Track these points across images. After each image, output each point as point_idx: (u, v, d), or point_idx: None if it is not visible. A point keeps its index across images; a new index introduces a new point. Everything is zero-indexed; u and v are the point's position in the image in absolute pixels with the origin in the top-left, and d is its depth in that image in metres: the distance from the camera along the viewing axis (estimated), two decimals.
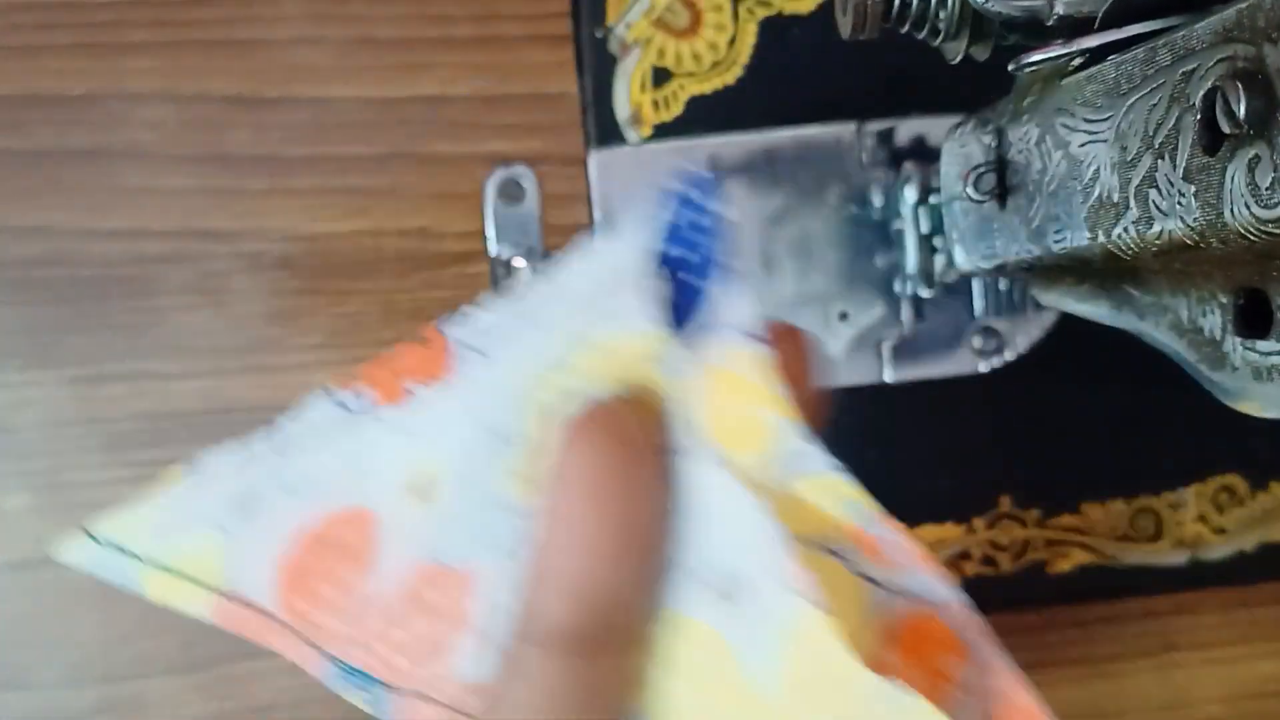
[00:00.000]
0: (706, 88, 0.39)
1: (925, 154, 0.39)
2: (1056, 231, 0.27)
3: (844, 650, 0.20)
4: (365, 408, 0.24)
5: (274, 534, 0.24)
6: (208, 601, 0.25)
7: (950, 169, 0.33)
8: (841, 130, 0.39)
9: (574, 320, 0.22)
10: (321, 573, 0.24)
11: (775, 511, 0.20)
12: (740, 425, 0.21)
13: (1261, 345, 0.22)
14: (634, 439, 0.20)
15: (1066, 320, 0.33)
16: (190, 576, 0.25)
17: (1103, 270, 0.27)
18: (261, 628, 0.25)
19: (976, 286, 0.39)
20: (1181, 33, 0.21)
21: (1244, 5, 0.19)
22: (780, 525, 0.20)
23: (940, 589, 0.21)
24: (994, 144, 0.30)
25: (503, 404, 0.22)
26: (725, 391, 0.21)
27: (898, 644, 0.21)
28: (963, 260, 0.34)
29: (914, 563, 0.21)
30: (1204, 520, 0.41)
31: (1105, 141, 0.24)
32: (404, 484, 0.24)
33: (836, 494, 0.21)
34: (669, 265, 0.22)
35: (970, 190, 0.30)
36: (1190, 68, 0.20)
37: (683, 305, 0.21)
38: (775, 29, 0.40)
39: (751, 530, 0.20)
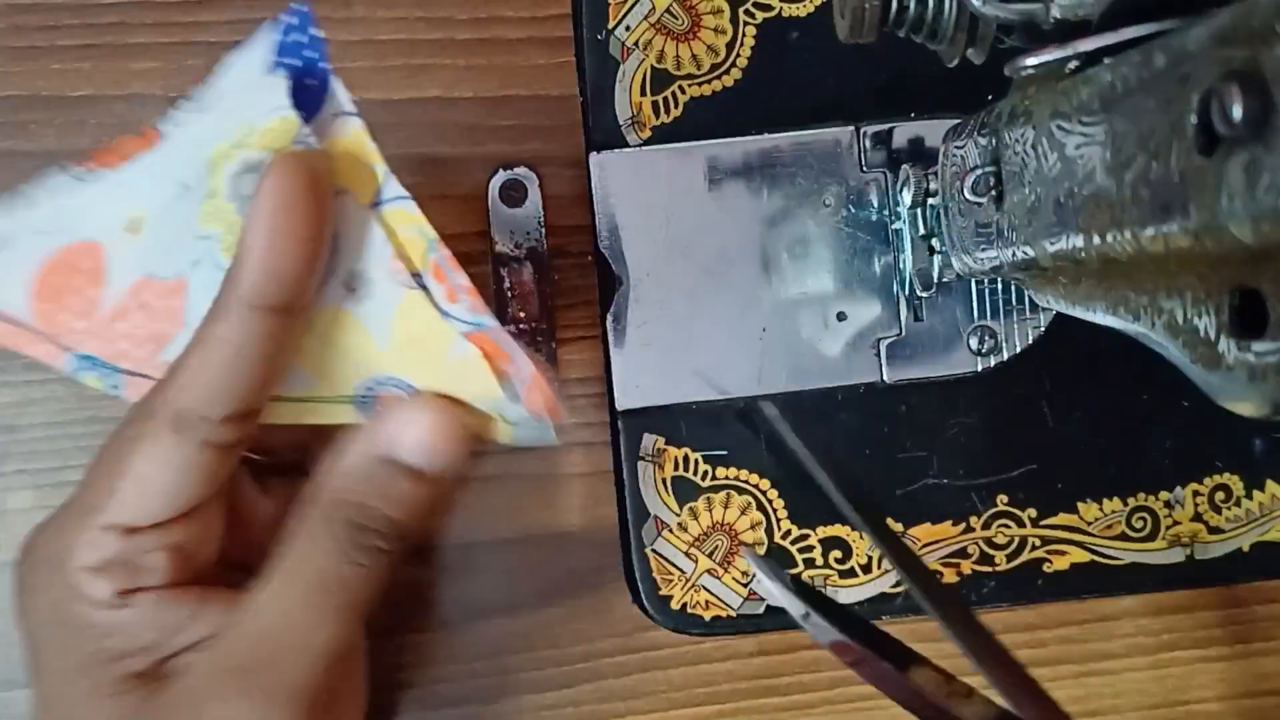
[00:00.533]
0: (706, 90, 0.40)
1: (923, 156, 0.39)
2: (1052, 233, 0.27)
3: (434, 315, 0.31)
4: (88, 174, 0.32)
5: (26, 260, 0.32)
6: None
7: (947, 171, 0.34)
8: (839, 132, 0.39)
9: (237, 110, 0.31)
10: (64, 285, 0.32)
11: (385, 233, 0.31)
12: (356, 174, 0.31)
13: (1256, 346, 0.22)
14: (317, 172, 0.30)
15: (1062, 320, 0.33)
16: None
17: (1098, 271, 0.27)
18: (11, 333, 0.33)
19: (973, 287, 0.39)
20: (1177, 36, 0.21)
21: (1239, 8, 0.19)
22: (385, 237, 0.31)
23: (484, 317, 0.31)
24: (991, 146, 0.30)
25: (193, 167, 0.31)
26: (342, 153, 0.31)
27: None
28: (960, 261, 0.34)
29: (465, 293, 0.31)
30: (1200, 519, 0.41)
31: (1101, 144, 0.24)
32: (122, 224, 0.32)
33: (409, 221, 0.31)
34: (290, 74, 0.31)
35: (967, 192, 0.31)
36: (1186, 70, 0.21)
37: (306, 102, 0.31)
38: (774, 32, 0.40)
39: (367, 242, 0.31)
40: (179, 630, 0.32)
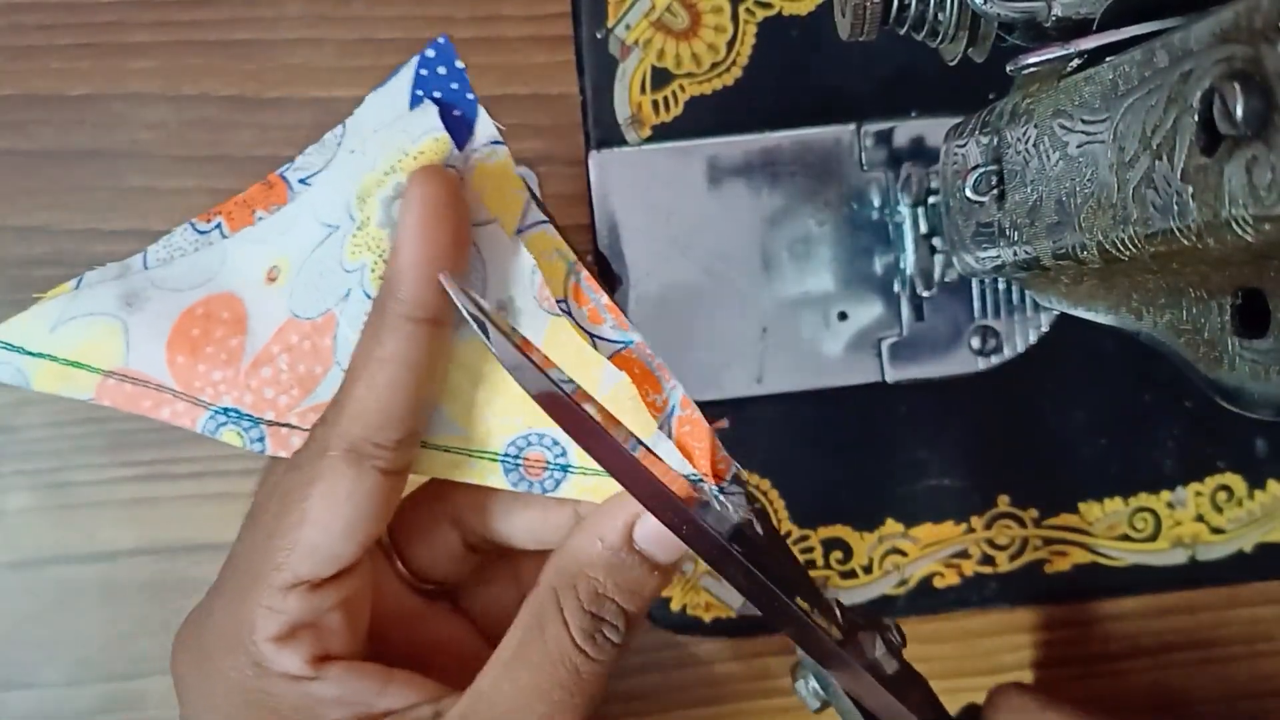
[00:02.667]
0: (706, 89, 0.40)
1: (924, 155, 0.39)
2: (1054, 232, 0.27)
3: (581, 343, 0.30)
4: (218, 233, 0.31)
5: (159, 317, 0.31)
6: (91, 383, 0.30)
7: (949, 170, 0.33)
8: (840, 131, 0.39)
9: (385, 141, 0.30)
10: (203, 337, 0.31)
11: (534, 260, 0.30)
12: (502, 202, 0.30)
13: (1259, 345, 0.22)
14: (454, 180, 0.29)
15: (1064, 320, 0.33)
16: (81, 364, 0.30)
17: (1100, 270, 0.27)
18: (137, 395, 0.31)
19: (975, 287, 0.39)
20: (1179, 34, 0.21)
21: (1241, 6, 0.19)
22: (534, 265, 0.30)
23: (629, 332, 0.31)
24: (992, 145, 0.30)
25: (337, 207, 0.30)
26: (490, 182, 0.30)
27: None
28: (961, 261, 0.34)
29: (606, 310, 0.31)
30: (1202, 520, 0.41)
31: (1103, 142, 0.24)
32: (261, 276, 0.31)
33: (549, 245, 0.31)
34: (437, 104, 0.30)
35: (969, 191, 0.30)
36: (1187, 69, 0.20)
37: (451, 133, 0.30)
38: (774, 30, 0.40)
39: (516, 271, 0.30)
40: (369, 706, 0.30)
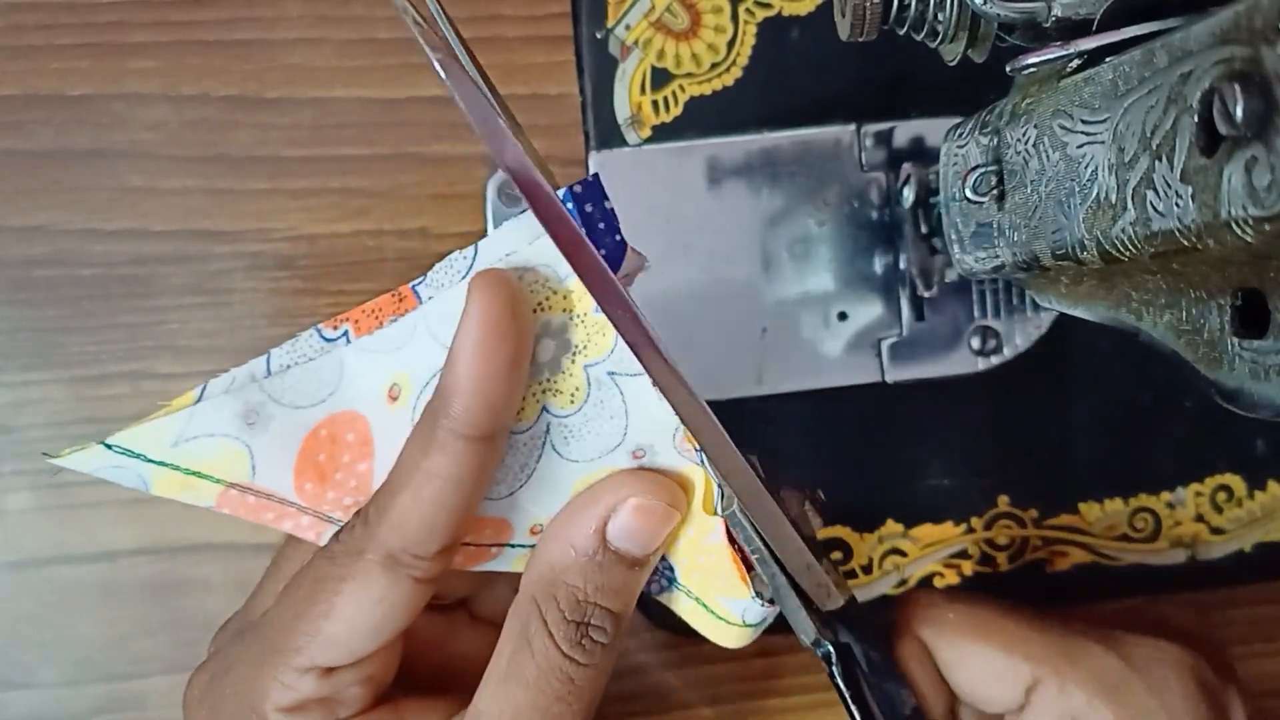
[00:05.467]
0: (706, 89, 0.40)
1: (924, 155, 0.39)
2: (1054, 232, 0.27)
3: (708, 493, 0.30)
4: (344, 340, 0.30)
5: (286, 440, 0.30)
6: (213, 493, 0.30)
7: (949, 170, 0.33)
8: (840, 131, 0.39)
9: (515, 267, 0.29)
10: (329, 461, 0.30)
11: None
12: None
13: (1259, 345, 0.22)
14: (517, 290, 0.28)
15: (1064, 320, 0.33)
16: (205, 474, 0.30)
17: (1100, 271, 0.27)
18: (260, 508, 0.30)
19: (975, 287, 0.39)
20: (1178, 35, 0.21)
21: (1240, 7, 0.19)
22: (676, 416, 0.29)
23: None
24: (992, 145, 0.30)
25: (453, 322, 0.29)
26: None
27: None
28: (961, 261, 0.34)
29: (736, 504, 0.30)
30: (1202, 520, 0.41)
31: (1103, 143, 0.24)
32: (382, 392, 0.30)
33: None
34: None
35: (969, 191, 0.30)
36: (1187, 69, 0.20)
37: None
38: (774, 31, 0.40)
39: (659, 417, 0.30)
40: None
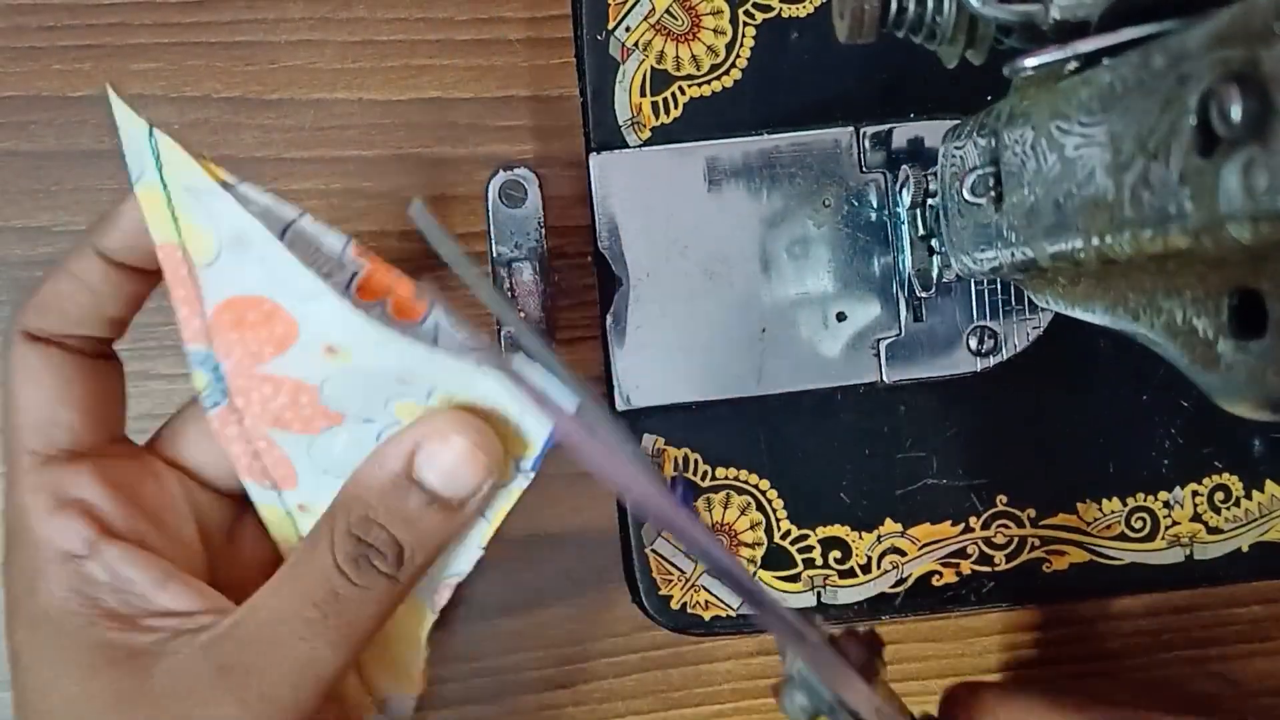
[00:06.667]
0: (706, 91, 0.40)
1: (922, 156, 0.39)
2: (1051, 233, 0.27)
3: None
4: (344, 287, 0.32)
5: (246, 279, 0.31)
6: (170, 242, 0.31)
7: (947, 171, 0.34)
8: (839, 133, 0.39)
9: (452, 374, 0.31)
10: (248, 324, 0.31)
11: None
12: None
13: (1255, 346, 0.22)
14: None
15: (1062, 321, 0.33)
16: (180, 226, 0.31)
17: (1097, 272, 0.27)
18: (181, 280, 0.31)
19: (973, 287, 0.39)
20: (1176, 37, 0.21)
21: (1238, 9, 0.19)
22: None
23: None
24: (990, 147, 0.30)
25: (420, 375, 0.31)
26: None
27: None
28: (959, 262, 0.34)
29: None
30: (1199, 520, 0.41)
31: (1100, 144, 0.24)
32: (324, 340, 0.31)
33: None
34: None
35: (966, 192, 0.31)
36: (1185, 71, 0.21)
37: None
38: (774, 32, 0.40)
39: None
40: (145, 599, 0.30)
